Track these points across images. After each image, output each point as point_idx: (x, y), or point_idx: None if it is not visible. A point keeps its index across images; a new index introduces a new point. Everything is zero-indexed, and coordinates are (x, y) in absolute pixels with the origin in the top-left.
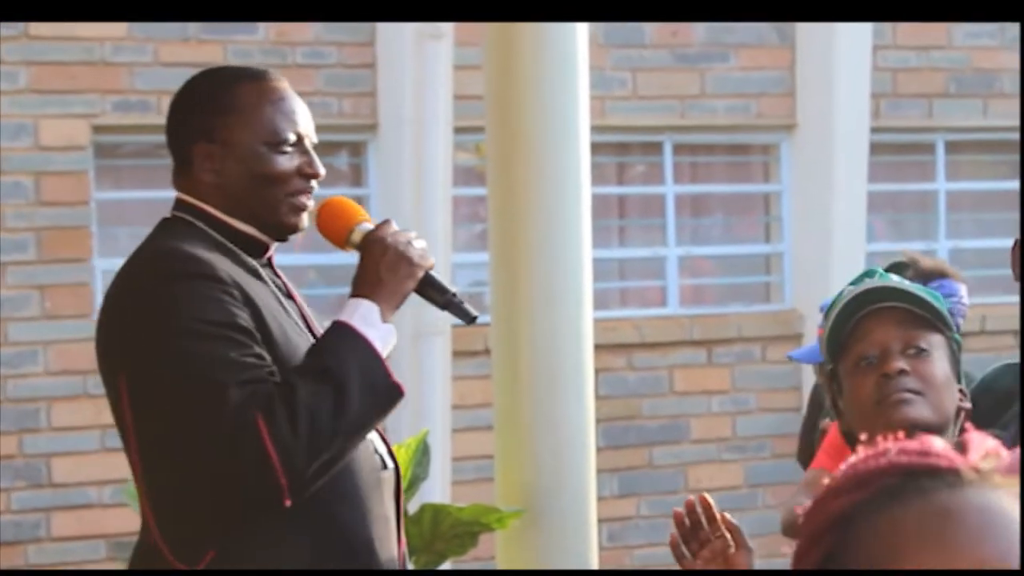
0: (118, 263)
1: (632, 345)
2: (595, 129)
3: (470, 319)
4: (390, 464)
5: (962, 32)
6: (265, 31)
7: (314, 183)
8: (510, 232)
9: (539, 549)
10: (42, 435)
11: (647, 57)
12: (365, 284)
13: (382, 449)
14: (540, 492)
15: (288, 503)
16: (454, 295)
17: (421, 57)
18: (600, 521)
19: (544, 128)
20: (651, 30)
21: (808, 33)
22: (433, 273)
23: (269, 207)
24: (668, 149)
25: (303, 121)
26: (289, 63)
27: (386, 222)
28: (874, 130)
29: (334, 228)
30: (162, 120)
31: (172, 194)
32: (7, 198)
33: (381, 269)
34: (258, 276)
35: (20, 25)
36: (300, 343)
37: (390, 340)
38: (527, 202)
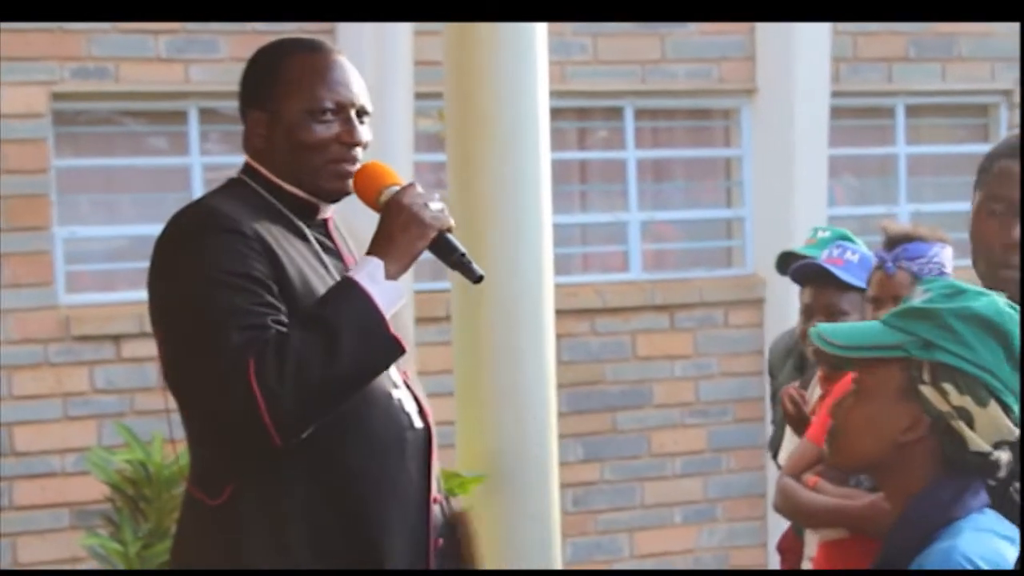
0: (78, 231)
1: (594, 310)
2: (556, 94)
3: (476, 278)
4: (418, 424)
5: None
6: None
7: (357, 150)
8: (470, 198)
9: (502, 514)
10: (3, 404)
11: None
12: (377, 243)
13: (411, 408)
14: (502, 458)
15: (278, 443)
16: (463, 255)
17: (381, 24)
18: (564, 486)
19: (502, 94)
20: None
21: None
22: (448, 235)
23: (310, 173)
24: (629, 114)
25: (345, 91)
26: (248, 30)
27: (411, 185)
28: (834, 94)
29: (367, 191)
30: (120, 87)
31: (130, 161)
32: None
33: (394, 229)
34: (302, 236)
35: None
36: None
37: (396, 297)
38: (486, 168)
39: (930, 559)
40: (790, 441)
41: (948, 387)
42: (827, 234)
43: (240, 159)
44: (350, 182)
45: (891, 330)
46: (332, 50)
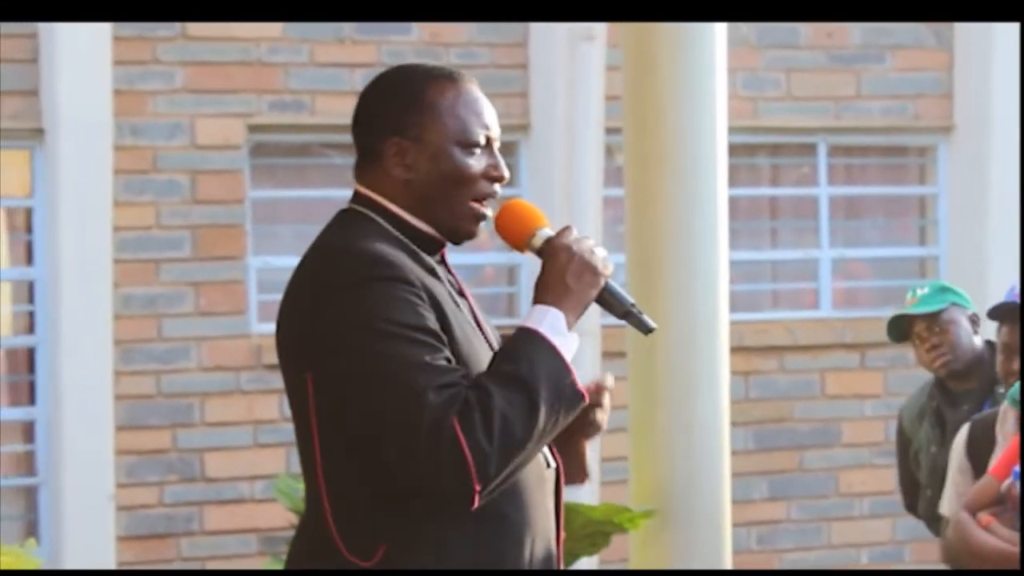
0: (272, 261)
1: (784, 347)
2: (749, 130)
3: (647, 330)
4: (552, 463)
5: None
6: (419, 32)
7: (497, 187)
8: (646, 233)
9: (672, 551)
10: (195, 430)
11: (802, 58)
12: (551, 291)
13: (545, 448)
14: (673, 493)
15: (477, 503)
16: (633, 305)
17: (573, 58)
18: (749, 524)
19: (680, 128)
20: (806, 31)
21: (966, 34)
22: (611, 282)
23: (453, 208)
24: (823, 150)
25: (492, 123)
26: (442, 64)
27: (566, 229)
28: None
29: (516, 230)
30: (316, 120)
31: (325, 192)
32: (164, 196)
33: (568, 277)
34: (435, 274)
35: (177, 26)
36: (477, 343)
37: (574, 348)
38: (663, 203)
39: None
40: (953, 488)
41: None
42: (926, 291)
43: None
44: (481, 226)
45: None
46: (471, 78)
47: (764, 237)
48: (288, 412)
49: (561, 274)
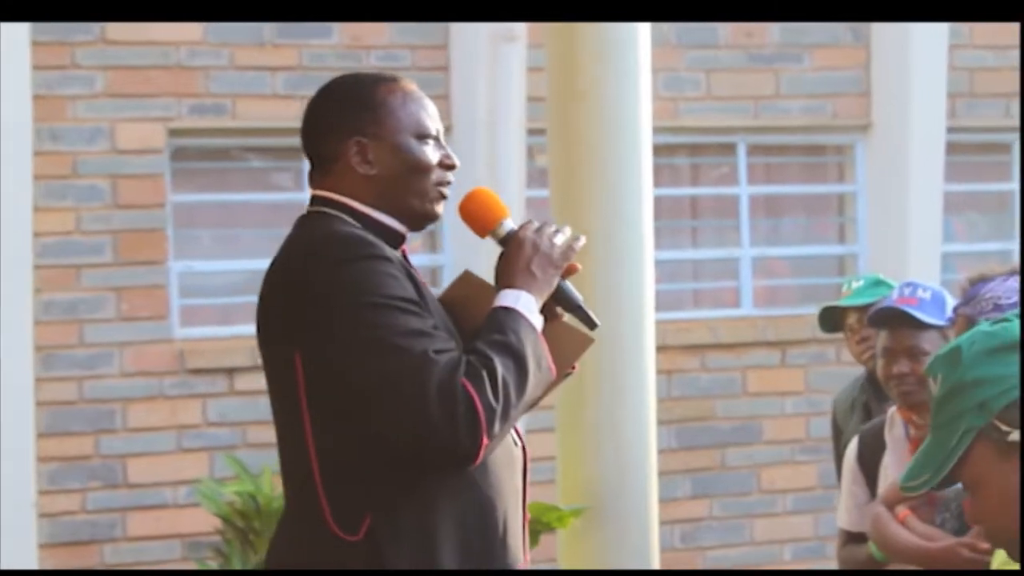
0: (194, 265)
1: (705, 346)
2: (669, 130)
3: (594, 325)
4: (519, 442)
5: None
6: (339, 35)
7: (451, 175)
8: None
9: (600, 548)
10: (118, 436)
11: (721, 58)
12: (518, 278)
13: (512, 429)
14: (601, 492)
15: (478, 461)
16: (583, 301)
17: (494, 60)
18: (672, 522)
19: (605, 129)
20: (725, 31)
21: (883, 33)
22: (566, 282)
23: (419, 195)
24: (742, 150)
25: (437, 117)
26: (364, 66)
27: (530, 222)
28: (950, 130)
29: (481, 217)
30: (236, 123)
31: (246, 196)
32: (84, 201)
33: (533, 267)
34: (401, 265)
35: (96, 30)
36: (448, 325)
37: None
38: (588, 204)
39: None
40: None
41: (1014, 419)
42: (861, 283)
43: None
44: (442, 206)
45: (944, 431)
46: (411, 81)
47: (685, 237)
48: (211, 417)
49: (527, 263)
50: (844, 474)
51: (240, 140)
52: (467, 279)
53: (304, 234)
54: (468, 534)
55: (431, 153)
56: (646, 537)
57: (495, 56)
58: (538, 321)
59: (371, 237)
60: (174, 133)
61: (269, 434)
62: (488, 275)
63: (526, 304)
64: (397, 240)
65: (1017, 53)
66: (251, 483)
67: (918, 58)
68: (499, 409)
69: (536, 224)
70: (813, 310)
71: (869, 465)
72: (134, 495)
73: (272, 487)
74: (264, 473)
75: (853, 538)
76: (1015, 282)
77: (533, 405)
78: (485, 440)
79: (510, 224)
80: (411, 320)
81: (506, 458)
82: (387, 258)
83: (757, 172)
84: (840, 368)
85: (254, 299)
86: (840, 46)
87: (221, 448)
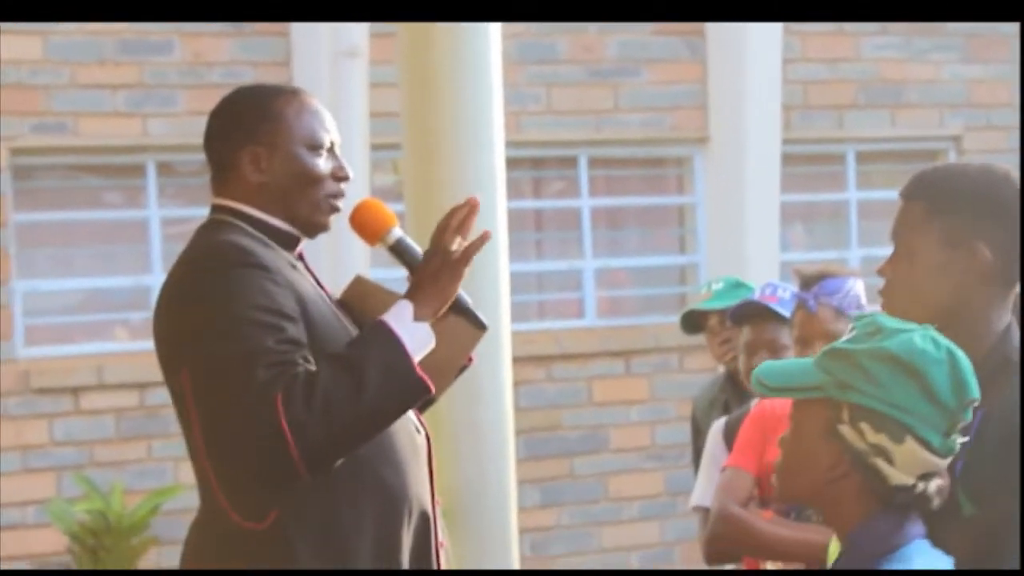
0: (37, 285)
1: (551, 357)
2: (511, 144)
3: (483, 326)
4: (422, 431)
5: (870, 44)
6: (181, 52)
7: (344, 186)
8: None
9: (462, 552)
10: None
11: (561, 73)
12: (411, 287)
13: (414, 418)
14: (462, 495)
15: (304, 475)
16: (469, 303)
17: (337, 75)
18: (522, 531)
19: (459, 143)
20: (564, 46)
21: (719, 47)
22: (404, 237)
23: (309, 204)
24: (583, 163)
25: (333, 130)
26: (206, 83)
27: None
28: (786, 141)
29: (370, 226)
30: (79, 141)
31: (89, 215)
32: None
33: (424, 274)
34: (295, 268)
35: None
36: (338, 327)
37: (425, 339)
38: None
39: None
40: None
41: (864, 426)
42: (720, 285)
43: (197, 211)
44: (333, 218)
45: (815, 370)
46: (311, 94)
47: (529, 249)
48: (58, 436)
49: (421, 271)
50: (707, 454)
51: (82, 158)
52: (360, 282)
53: (191, 244)
54: (375, 522)
55: (323, 164)
56: (507, 539)
57: (337, 72)
58: (409, 330)
59: (247, 244)
60: (15, 152)
61: (116, 452)
62: None
63: (399, 313)
64: (291, 242)
65: (849, 67)
66: (101, 501)
67: (753, 72)
68: (315, 421)
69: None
70: (656, 320)
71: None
72: None
73: (122, 504)
74: (114, 491)
75: None
76: (862, 285)
77: (403, 411)
78: (294, 452)
79: (398, 232)
80: (262, 333)
81: (411, 447)
82: (259, 265)
83: (598, 184)
84: (684, 376)
85: (95, 317)
86: (677, 61)
87: (68, 467)
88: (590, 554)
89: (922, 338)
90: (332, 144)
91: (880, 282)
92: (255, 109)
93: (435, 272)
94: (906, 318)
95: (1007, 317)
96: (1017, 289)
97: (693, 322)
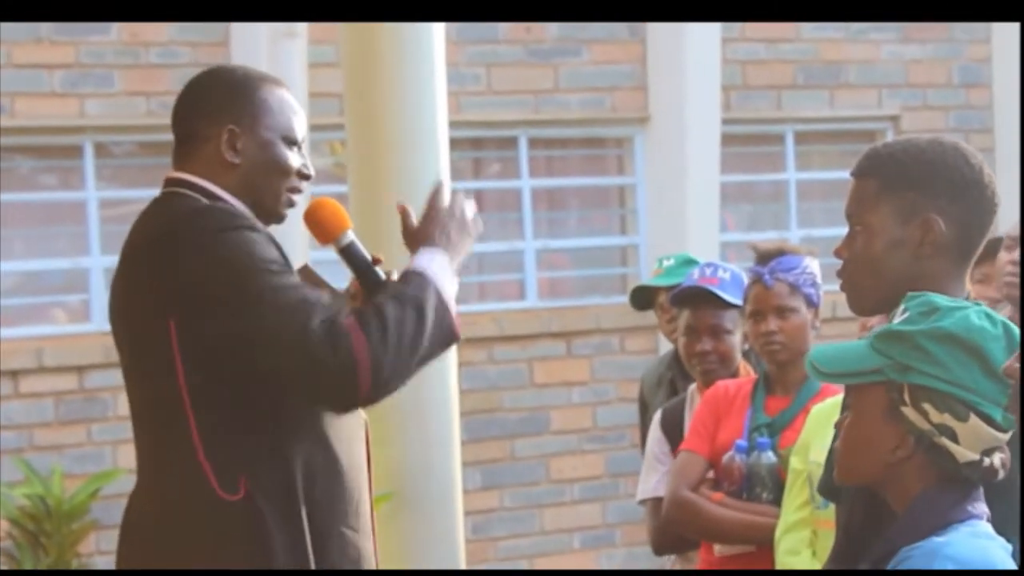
0: None
1: (492, 338)
2: (451, 124)
3: (381, 283)
4: (363, 415)
5: (809, 25)
6: (118, 32)
7: (305, 184)
8: (371, 228)
9: (408, 533)
10: None
11: (501, 53)
12: (436, 239)
13: None
14: (408, 477)
15: (363, 400)
16: (370, 264)
17: (275, 56)
18: (464, 514)
19: (403, 124)
20: (504, 26)
21: (658, 27)
22: (356, 241)
23: (272, 194)
24: (523, 144)
25: (305, 129)
26: (142, 63)
27: (439, 189)
28: (725, 121)
29: (325, 226)
30: (15, 122)
31: (27, 196)
32: None
33: (451, 230)
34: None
35: None
36: None
37: (454, 289)
38: (388, 198)
39: (916, 553)
40: (650, 473)
41: (927, 407)
42: (672, 262)
43: (135, 193)
44: (289, 211)
45: (873, 353)
46: (289, 88)
47: None
48: None
49: (445, 226)
50: (649, 447)
51: (17, 139)
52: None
53: (165, 211)
54: (326, 501)
55: (293, 158)
56: (452, 523)
57: (276, 53)
58: (451, 282)
59: (241, 209)
60: None
61: (56, 436)
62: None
63: (440, 265)
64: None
65: (788, 47)
66: (41, 485)
67: (692, 52)
68: (386, 349)
69: (449, 193)
70: (597, 301)
71: (672, 438)
72: None
73: (62, 489)
74: (54, 475)
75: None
76: (818, 264)
77: (435, 359)
78: (368, 377)
79: (351, 236)
80: (289, 279)
81: (356, 434)
82: (256, 228)
83: (538, 165)
84: (625, 358)
85: (32, 300)
86: (617, 41)
87: (7, 452)
88: (532, 536)
89: (978, 315)
90: (302, 141)
91: (835, 263)
92: (241, 90)
93: (460, 227)
94: (864, 295)
95: (965, 290)
96: (973, 261)
97: (643, 298)
